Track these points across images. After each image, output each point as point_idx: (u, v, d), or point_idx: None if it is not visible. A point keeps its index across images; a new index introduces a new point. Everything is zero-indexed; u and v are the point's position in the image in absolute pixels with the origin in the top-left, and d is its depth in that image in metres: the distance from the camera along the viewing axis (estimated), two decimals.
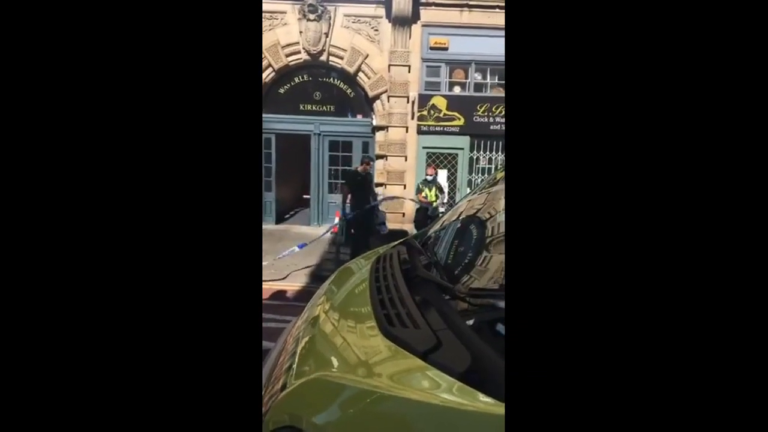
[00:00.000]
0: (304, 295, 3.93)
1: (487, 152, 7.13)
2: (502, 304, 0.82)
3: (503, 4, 6.55)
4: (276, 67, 6.76)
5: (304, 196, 7.78)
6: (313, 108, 7.29)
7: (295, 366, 0.93)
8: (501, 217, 1.26)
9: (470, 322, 0.81)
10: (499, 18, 6.65)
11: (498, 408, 0.56)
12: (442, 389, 0.64)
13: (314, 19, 6.55)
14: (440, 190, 6.19)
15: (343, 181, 5.86)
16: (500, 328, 0.76)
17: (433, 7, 6.69)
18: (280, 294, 4.12)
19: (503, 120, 6.91)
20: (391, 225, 7.02)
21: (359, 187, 5.17)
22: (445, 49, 6.88)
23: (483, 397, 0.59)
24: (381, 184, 7.21)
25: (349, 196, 5.17)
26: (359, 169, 5.36)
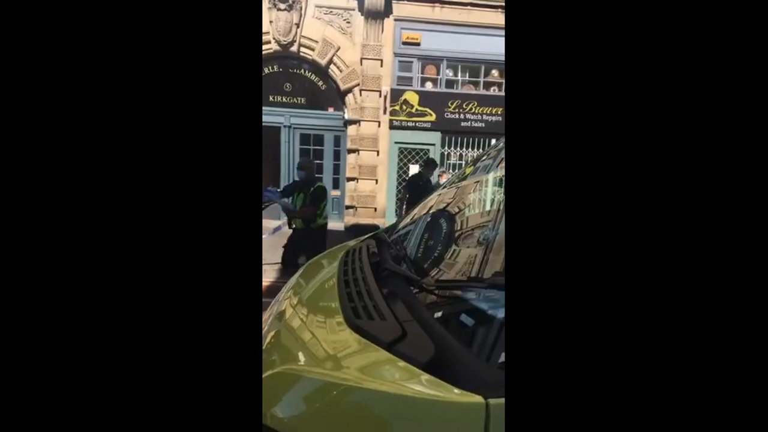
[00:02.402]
0: (273, 290, 3.85)
1: (458, 148, 7.24)
2: (468, 295, 0.84)
3: (475, 2, 6.64)
4: None
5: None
6: (284, 100, 7.15)
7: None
8: (470, 212, 1.28)
9: (436, 313, 0.82)
10: (471, 15, 6.74)
11: (462, 397, 0.57)
12: (408, 380, 0.64)
13: (285, 9, 6.39)
14: (317, 196, 3.71)
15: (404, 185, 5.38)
16: (465, 318, 0.77)
17: (405, 2, 6.68)
18: None
19: (474, 117, 7.03)
20: (362, 219, 7.01)
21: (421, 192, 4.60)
22: (417, 44, 6.90)
23: (448, 387, 0.59)
24: (353, 179, 7.18)
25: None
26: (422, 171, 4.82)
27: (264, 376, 0.76)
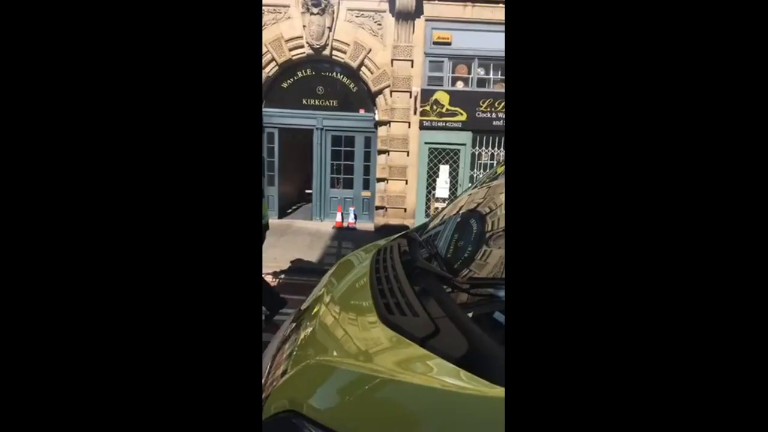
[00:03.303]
0: (306, 289, 3.95)
1: (490, 148, 7.12)
2: (500, 293, 0.84)
3: None
4: (279, 61, 6.75)
5: (307, 191, 7.79)
6: (316, 102, 7.29)
7: (295, 353, 0.95)
8: (501, 211, 1.27)
9: (469, 310, 0.82)
10: (502, 13, 6.61)
11: (495, 391, 0.58)
12: (442, 374, 0.66)
13: (317, 13, 6.53)
14: None
15: None
16: (498, 316, 0.77)
17: (436, 2, 6.66)
18: (282, 288, 4.15)
19: None
20: (392, 220, 7.04)
21: None
22: (448, 43, 6.85)
23: (481, 381, 0.60)
24: (383, 179, 7.22)
25: None
26: None
27: (301, 367, 0.79)
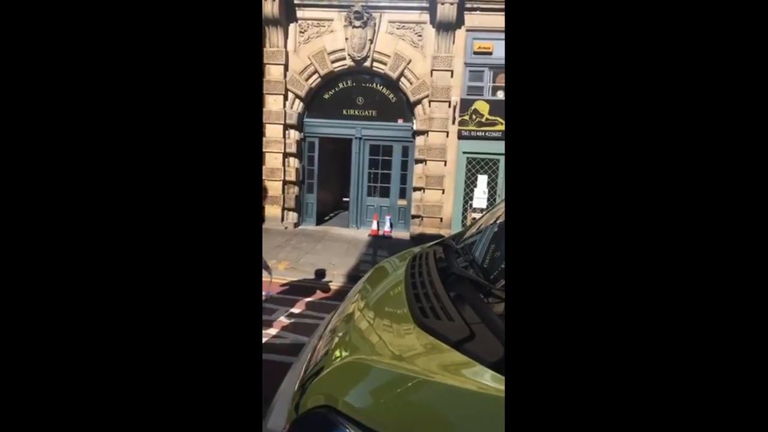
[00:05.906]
0: (342, 295, 4.01)
1: None
2: None
3: None
4: (322, 73, 6.98)
5: (344, 199, 7.93)
6: (356, 113, 7.45)
7: (330, 353, 0.97)
8: None
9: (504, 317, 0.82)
10: None
11: None
12: (477, 377, 0.66)
13: (360, 26, 6.70)
14: None
15: None
16: None
17: (477, 12, 6.64)
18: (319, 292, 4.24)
19: None
20: (428, 230, 7.01)
21: None
22: (489, 53, 6.80)
23: None
24: (419, 189, 7.22)
25: None
26: None
27: (337, 364, 0.82)
